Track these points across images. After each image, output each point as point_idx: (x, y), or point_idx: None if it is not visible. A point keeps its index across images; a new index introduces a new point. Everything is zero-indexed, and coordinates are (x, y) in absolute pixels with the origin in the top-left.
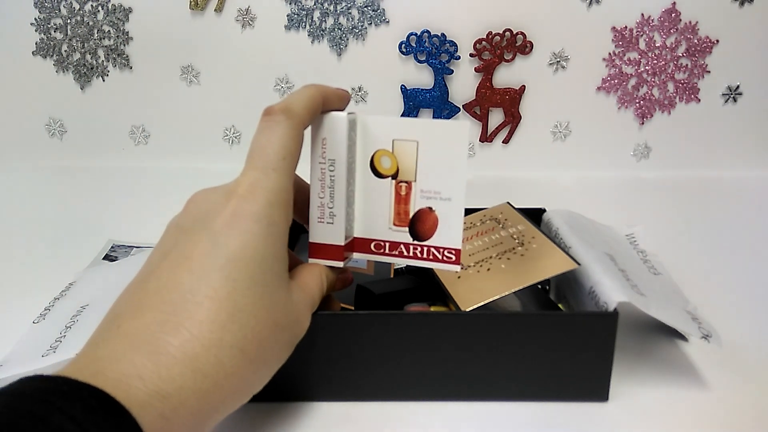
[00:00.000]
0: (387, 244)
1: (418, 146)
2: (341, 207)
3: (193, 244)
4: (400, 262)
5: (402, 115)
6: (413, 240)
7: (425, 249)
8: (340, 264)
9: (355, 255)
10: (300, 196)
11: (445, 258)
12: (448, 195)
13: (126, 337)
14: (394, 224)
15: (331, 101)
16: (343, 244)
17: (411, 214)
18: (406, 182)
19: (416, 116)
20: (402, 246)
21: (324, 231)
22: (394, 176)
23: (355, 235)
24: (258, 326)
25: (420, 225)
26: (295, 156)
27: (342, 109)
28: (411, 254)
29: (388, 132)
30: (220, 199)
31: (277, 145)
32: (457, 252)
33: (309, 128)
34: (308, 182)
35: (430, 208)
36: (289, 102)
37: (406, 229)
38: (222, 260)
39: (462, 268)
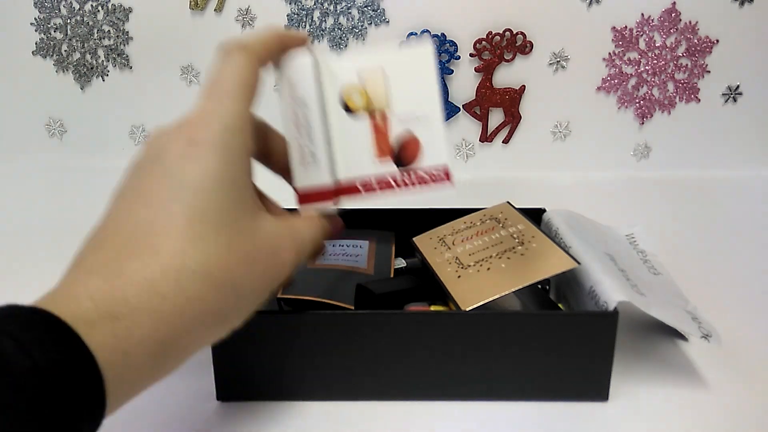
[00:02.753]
0: (374, 180)
1: (384, 73)
2: (321, 145)
3: (149, 178)
4: (392, 196)
5: None
6: (400, 168)
7: (414, 173)
8: (330, 205)
9: (345, 200)
10: (273, 143)
11: (435, 177)
12: (425, 114)
13: (84, 268)
14: (377, 157)
15: (290, 42)
16: (330, 182)
17: (392, 143)
18: (380, 112)
19: None
20: (390, 178)
21: (307, 173)
22: (368, 109)
23: (341, 177)
24: (222, 252)
25: (403, 151)
26: (252, 87)
27: None
28: (400, 183)
29: (352, 67)
30: (174, 131)
31: (232, 75)
32: (446, 168)
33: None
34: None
35: (410, 132)
36: (245, 38)
37: (390, 159)
38: (178, 190)
39: (462, 268)
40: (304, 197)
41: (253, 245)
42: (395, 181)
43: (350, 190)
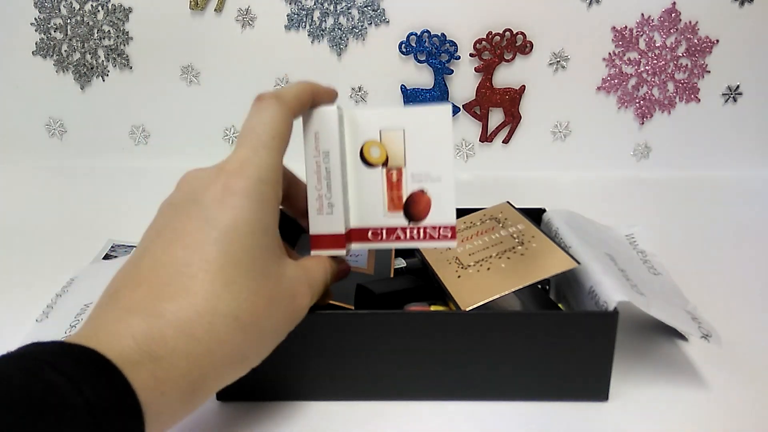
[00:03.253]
0: (384, 231)
1: (405, 134)
2: (339, 196)
3: (185, 220)
4: (399, 246)
5: None
6: (409, 222)
7: (421, 230)
8: (342, 252)
9: (354, 246)
10: (293, 189)
11: (441, 236)
12: (438, 175)
13: (125, 306)
14: (389, 210)
15: (321, 97)
16: (343, 232)
17: (404, 198)
18: (396, 168)
19: None
20: (399, 230)
21: (324, 222)
22: (384, 164)
23: (352, 226)
24: (251, 297)
25: (414, 207)
26: (285, 138)
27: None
28: (408, 237)
29: (374, 123)
30: (211, 176)
31: (267, 125)
32: (453, 229)
33: (301, 125)
34: (301, 178)
35: (422, 190)
36: (280, 91)
37: (401, 213)
38: (214, 234)
39: (462, 268)
40: (318, 243)
41: (277, 289)
42: (403, 234)
43: (360, 237)
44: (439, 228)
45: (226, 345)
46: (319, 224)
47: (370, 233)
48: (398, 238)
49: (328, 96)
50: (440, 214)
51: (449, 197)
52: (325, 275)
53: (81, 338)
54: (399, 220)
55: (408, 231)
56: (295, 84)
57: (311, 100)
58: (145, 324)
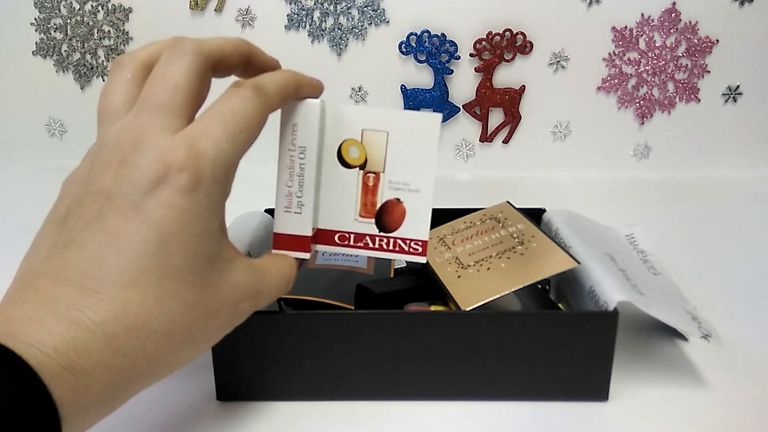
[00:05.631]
0: (352, 236)
1: (388, 137)
2: (310, 196)
3: (122, 219)
4: (364, 254)
5: None
6: (379, 231)
7: (391, 240)
8: (306, 255)
9: (319, 247)
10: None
11: (411, 249)
12: (417, 187)
13: (45, 303)
14: (360, 215)
15: (305, 89)
16: (310, 234)
17: (378, 206)
18: (374, 173)
19: None
20: (367, 237)
21: (291, 221)
22: (362, 166)
23: (319, 227)
24: (187, 311)
25: (387, 216)
26: (254, 135)
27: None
28: (376, 246)
29: (358, 121)
30: (155, 165)
31: (237, 116)
32: (424, 243)
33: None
34: (273, 170)
35: (398, 200)
36: (262, 80)
37: (373, 220)
38: (154, 244)
39: (462, 268)
40: (281, 243)
41: (216, 299)
42: (371, 242)
43: (326, 239)
44: (410, 241)
45: (153, 360)
46: (284, 223)
47: (337, 237)
48: (366, 245)
49: (313, 90)
50: (413, 227)
51: (425, 212)
52: (288, 276)
53: None
54: (369, 227)
55: (377, 239)
56: (279, 74)
57: (295, 93)
58: (67, 333)
